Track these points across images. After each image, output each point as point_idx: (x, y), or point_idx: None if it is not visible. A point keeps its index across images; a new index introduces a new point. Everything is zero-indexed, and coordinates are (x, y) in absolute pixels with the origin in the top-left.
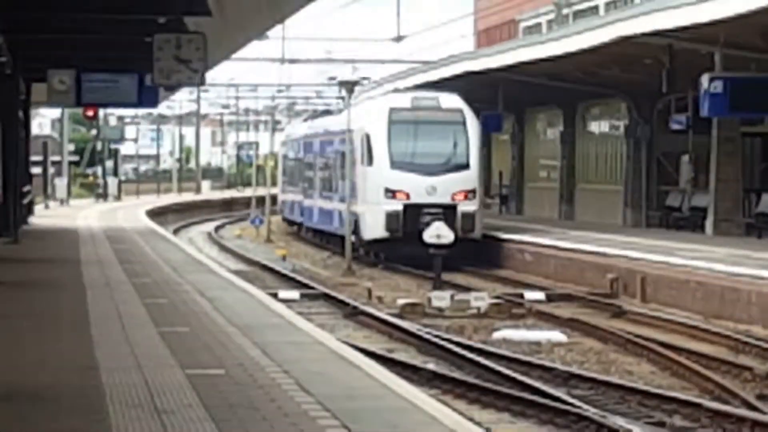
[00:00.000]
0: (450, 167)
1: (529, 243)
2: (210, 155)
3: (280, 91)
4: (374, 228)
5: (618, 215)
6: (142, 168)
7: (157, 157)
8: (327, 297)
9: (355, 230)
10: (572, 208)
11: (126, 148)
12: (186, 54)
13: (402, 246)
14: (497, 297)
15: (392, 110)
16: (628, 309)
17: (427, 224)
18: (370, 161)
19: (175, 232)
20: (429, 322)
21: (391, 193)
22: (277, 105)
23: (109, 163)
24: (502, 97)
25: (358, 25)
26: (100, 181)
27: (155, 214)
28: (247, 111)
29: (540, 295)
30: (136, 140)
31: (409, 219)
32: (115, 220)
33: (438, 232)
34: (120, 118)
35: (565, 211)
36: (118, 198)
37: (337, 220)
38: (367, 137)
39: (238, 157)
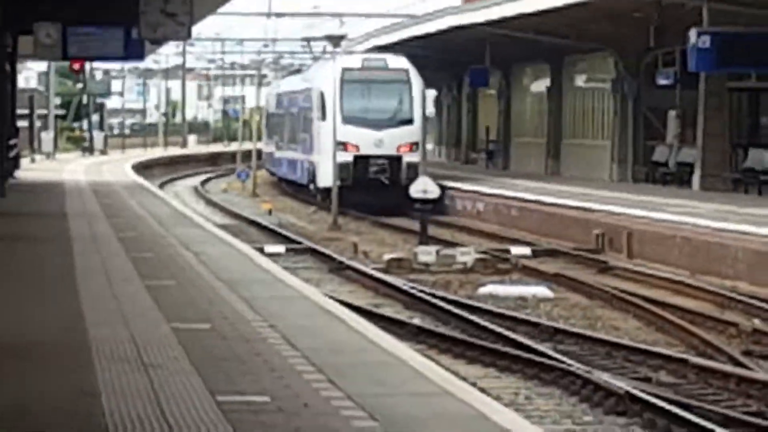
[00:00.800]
0: (395, 122)
1: (516, 199)
2: (196, 109)
3: (266, 45)
4: (327, 177)
5: (605, 171)
6: (128, 122)
7: (143, 112)
8: (313, 251)
9: (313, 179)
10: (558, 164)
11: (112, 102)
12: (172, 8)
13: (352, 193)
14: (483, 252)
15: (344, 70)
16: (613, 264)
17: (375, 173)
18: (324, 116)
19: (161, 186)
20: (415, 277)
21: (342, 146)
22: (264, 59)
23: (95, 117)
24: (488, 53)
25: None
26: (87, 135)
27: (141, 168)
28: (233, 65)
29: (526, 251)
30: (122, 94)
31: (359, 169)
32: (101, 175)
33: (424, 187)
34: (106, 72)
35: (552, 166)
36: (104, 152)
37: (300, 170)
38: (322, 95)
39: (225, 112)
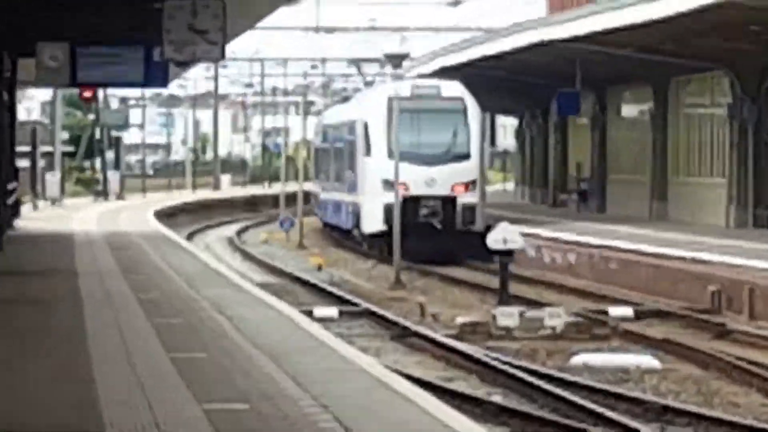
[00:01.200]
0: (449, 157)
1: (615, 249)
2: (231, 144)
3: (314, 66)
4: (373, 221)
5: (720, 214)
6: (150, 160)
7: (167, 147)
8: (371, 315)
9: (357, 223)
10: (665, 206)
11: (130, 137)
12: (202, 23)
13: (403, 239)
14: (576, 314)
15: (391, 99)
16: (733, 327)
17: (426, 216)
18: (368, 151)
19: (189, 237)
20: (494, 345)
21: (389, 185)
22: (311, 83)
23: (110, 155)
24: (579, 73)
25: None
26: (100, 176)
27: (165, 215)
28: (274, 90)
29: (627, 312)
30: (142, 126)
31: (409, 211)
32: (118, 223)
33: (504, 236)
34: (123, 101)
35: (657, 208)
36: (120, 196)
37: (344, 213)
38: (366, 127)
39: (265, 147)
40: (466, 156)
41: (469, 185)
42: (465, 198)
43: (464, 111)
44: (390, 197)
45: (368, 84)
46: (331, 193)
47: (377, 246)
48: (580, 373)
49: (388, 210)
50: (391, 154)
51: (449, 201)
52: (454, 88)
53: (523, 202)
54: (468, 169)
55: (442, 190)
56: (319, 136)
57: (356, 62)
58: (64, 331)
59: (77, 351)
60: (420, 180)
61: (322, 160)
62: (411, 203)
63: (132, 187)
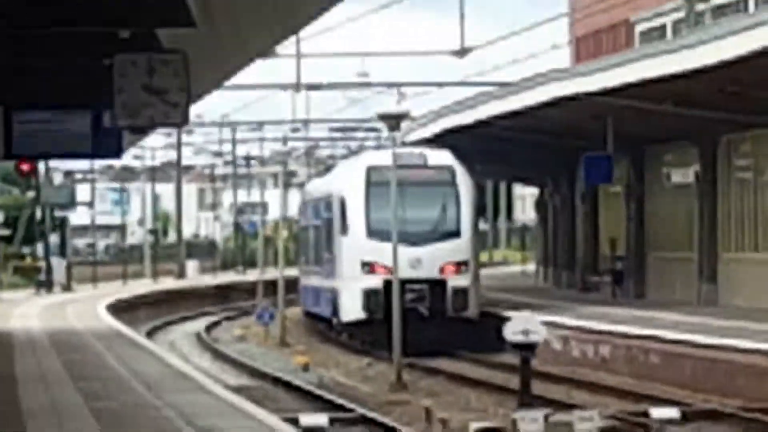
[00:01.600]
0: (437, 235)
1: (657, 339)
2: (197, 223)
3: (295, 130)
4: (351, 308)
5: None
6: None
7: (122, 229)
8: (368, 422)
9: (335, 311)
10: (716, 288)
11: (78, 217)
12: (160, 82)
13: (385, 329)
14: (612, 417)
15: (370, 169)
16: None
17: (413, 301)
18: (345, 230)
19: (150, 334)
20: None
21: (368, 267)
22: (292, 150)
23: (54, 239)
24: (611, 133)
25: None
26: (42, 264)
27: (121, 309)
28: (248, 160)
29: (673, 413)
30: (91, 205)
31: (391, 297)
32: (65, 320)
33: (525, 326)
34: (68, 175)
35: (706, 291)
36: (67, 287)
37: (323, 299)
38: (342, 202)
39: (238, 226)
40: (456, 233)
41: (460, 266)
42: (456, 281)
43: (453, 182)
44: (370, 281)
45: (363, 149)
46: (311, 278)
47: (358, 337)
48: None
49: (367, 296)
50: (370, 233)
51: (438, 284)
52: (442, 157)
53: (546, 285)
54: (459, 248)
55: (430, 273)
56: (302, 214)
57: (341, 129)
58: None
59: None
60: (404, 261)
61: (303, 240)
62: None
63: (81, 276)
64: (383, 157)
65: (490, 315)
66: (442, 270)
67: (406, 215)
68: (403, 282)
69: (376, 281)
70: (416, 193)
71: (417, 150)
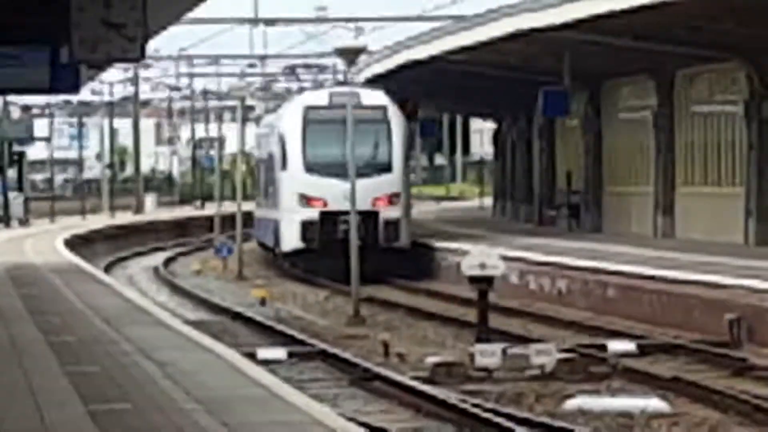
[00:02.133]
0: (370, 170)
1: (613, 273)
2: (155, 158)
3: (252, 65)
4: (290, 238)
5: (738, 230)
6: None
7: (79, 163)
8: (326, 355)
9: (277, 241)
10: (672, 221)
11: (35, 151)
12: (118, 15)
13: (320, 257)
14: (569, 350)
15: (307, 109)
16: (755, 363)
17: (346, 232)
18: (284, 165)
19: (108, 268)
20: (473, 389)
21: (306, 200)
22: (249, 84)
23: (12, 173)
24: (569, 66)
25: None
26: None
27: (79, 243)
28: (206, 94)
29: (629, 346)
30: (49, 140)
31: (327, 228)
32: (23, 254)
33: (482, 260)
34: (26, 109)
35: (663, 225)
36: (24, 222)
37: (268, 230)
38: (282, 138)
39: (195, 160)
40: (387, 168)
41: (392, 198)
42: (388, 212)
43: (386, 120)
44: (307, 213)
45: (321, 84)
46: (261, 210)
47: (298, 265)
48: (575, 420)
49: (304, 227)
50: (308, 168)
51: (371, 216)
52: (375, 96)
53: (504, 219)
54: (390, 182)
55: (363, 205)
56: (256, 149)
57: (292, 67)
58: None
59: None
60: (338, 194)
61: (256, 175)
62: (330, 219)
63: (38, 210)
64: (320, 97)
65: (422, 246)
66: (374, 202)
67: (341, 151)
68: (338, 213)
69: (312, 213)
70: (351, 131)
71: (351, 89)
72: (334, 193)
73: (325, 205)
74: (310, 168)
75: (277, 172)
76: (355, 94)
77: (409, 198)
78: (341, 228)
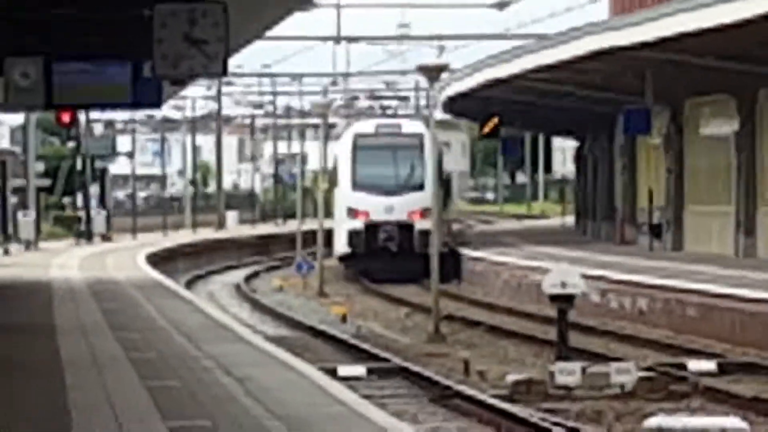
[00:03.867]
0: (407, 188)
1: (695, 292)
2: (237, 175)
3: (334, 82)
4: (340, 245)
5: None
6: (142, 195)
7: (162, 179)
8: (406, 372)
9: (331, 247)
10: (754, 241)
11: (118, 167)
12: (200, 32)
13: (366, 261)
14: (649, 369)
15: (357, 136)
16: None
17: (385, 240)
18: (337, 183)
19: (189, 284)
20: (552, 407)
21: (353, 213)
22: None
23: (95, 189)
24: (650, 86)
25: None
26: (82, 214)
27: (161, 259)
28: (288, 111)
29: (710, 366)
30: (131, 155)
31: (370, 236)
32: (105, 270)
33: (562, 279)
34: (109, 125)
35: (744, 244)
36: (107, 238)
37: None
38: (336, 160)
39: (277, 177)
40: (421, 187)
41: (424, 212)
42: (421, 224)
43: (421, 146)
44: (353, 224)
45: (403, 99)
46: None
47: (348, 267)
48: None
49: (350, 235)
50: (354, 186)
51: (406, 227)
52: (413, 126)
53: (585, 237)
54: (423, 198)
55: (401, 216)
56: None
57: (422, 70)
58: (40, 401)
59: (58, 426)
60: (380, 208)
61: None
62: (372, 229)
63: (121, 226)
64: (369, 126)
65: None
66: (409, 215)
67: (383, 172)
68: (379, 224)
69: (358, 224)
70: (392, 155)
71: (395, 120)
72: (375, 206)
73: (368, 216)
74: (357, 185)
75: (334, 189)
76: (397, 124)
77: (441, 213)
78: (381, 236)
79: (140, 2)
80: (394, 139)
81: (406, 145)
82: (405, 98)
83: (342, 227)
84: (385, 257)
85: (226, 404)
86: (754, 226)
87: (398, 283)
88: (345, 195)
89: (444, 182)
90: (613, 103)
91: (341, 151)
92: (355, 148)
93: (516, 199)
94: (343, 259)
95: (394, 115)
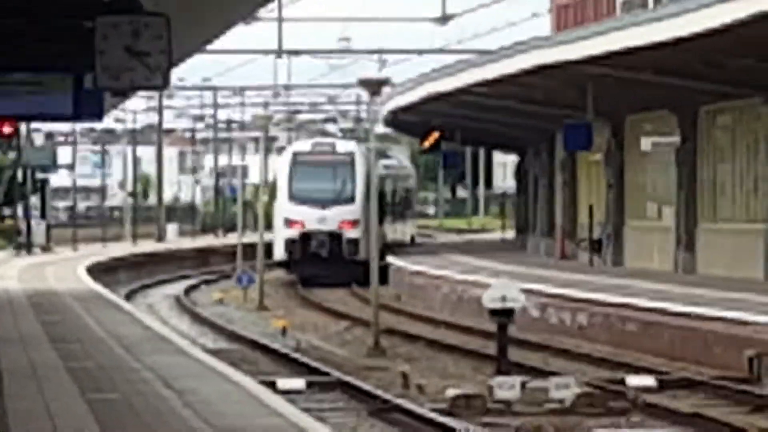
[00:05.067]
0: (338, 201)
1: (634, 307)
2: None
3: (276, 95)
4: (278, 251)
5: (759, 266)
6: (82, 206)
7: (102, 191)
8: (345, 386)
9: (270, 253)
10: (693, 257)
11: (58, 179)
12: (142, 44)
13: (300, 266)
14: (588, 384)
15: (294, 154)
16: None
17: (317, 247)
18: (275, 196)
19: (129, 296)
20: (491, 421)
21: (289, 223)
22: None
23: (35, 200)
24: (591, 101)
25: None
26: (22, 225)
27: (101, 271)
28: (229, 124)
29: (649, 381)
30: (72, 167)
31: (305, 244)
32: (44, 281)
33: (503, 293)
34: (49, 137)
35: (684, 261)
36: (47, 249)
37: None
38: (275, 176)
39: (218, 190)
40: (351, 200)
41: (353, 223)
42: (350, 233)
43: (352, 164)
44: (289, 233)
45: (343, 113)
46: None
47: (286, 271)
48: None
49: (287, 243)
50: (291, 198)
51: (337, 236)
52: (346, 145)
53: (525, 252)
54: (353, 210)
55: (332, 226)
56: None
57: (363, 84)
58: None
59: None
60: (313, 218)
61: None
62: (306, 237)
63: (60, 238)
64: (305, 145)
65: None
66: (340, 225)
67: (316, 186)
68: (312, 233)
69: (294, 233)
70: (325, 171)
71: (330, 140)
72: (309, 217)
73: (303, 226)
74: (293, 198)
75: (274, 201)
76: (332, 143)
77: (370, 223)
78: (314, 244)
79: (82, 14)
80: (328, 157)
81: (339, 162)
82: (345, 112)
83: (280, 235)
84: (317, 263)
85: (165, 416)
86: (694, 242)
87: (329, 287)
88: (282, 206)
89: (385, 196)
90: (555, 118)
91: (280, 167)
92: (293, 164)
93: (457, 213)
94: (280, 264)
95: (333, 134)
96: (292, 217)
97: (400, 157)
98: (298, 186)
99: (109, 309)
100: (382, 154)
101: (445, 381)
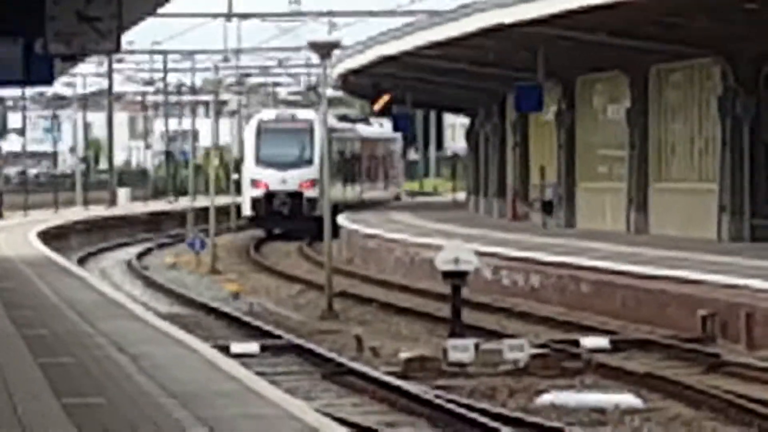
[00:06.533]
0: (298, 164)
1: (587, 268)
2: (129, 152)
3: (226, 59)
4: (246, 208)
5: (711, 226)
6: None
7: (53, 156)
8: (299, 350)
9: (239, 211)
10: (645, 217)
11: (8, 144)
12: (93, 9)
13: (265, 222)
14: (542, 345)
15: (260, 122)
16: (728, 359)
17: (280, 205)
18: (244, 159)
19: (81, 261)
20: (445, 384)
21: (255, 183)
22: (223, 79)
23: None
24: (542, 63)
25: None
26: None
27: (52, 236)
28: (179, 88)
29: (603, 342)
30: (22, 132)
31: (268, 202)
32: None
33: (455, 255)
34: None
35: (636, 221)
36: None
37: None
38: (242, 142)
39: (169, 154)
40: (309, 162)
41: (313, 183)
42: (309, 192)
43: (311, 131)
44: (255, 192)
45: (294, 76)
46: None
47: (253, 226)
48: (548, 415)
49: (253, 202)
50: (257, 162)
51: (297, 195)
52: (306, 114)
53: (477, 214)
54: (311, 172)
55: (293, 187)
56: None
57: (313, 47)
58: None
59: None
60: (276, 180)
61: None
62: (270, 196)
63: (12, 203)
64: (270, 114)
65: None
66: (300, 185)
67: (279, 151)
68: (275, 193)
69: (259, 192)
70: (286, 137)
71: (292, 110)
72: (273, 179)
73: (267, 187)
74: (259, 161)
75: (242, 165)
76: (293, 113)
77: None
78: (276, 203)
79: None
80: (289, 124)
81: (299, 129)
82: (296, 75)
83: (247, 195)
84: (279, 219)
85: (119, 381)
86: (646, 202)
87: (291, 240)
88: (249, 169)
89: (360, 158)
90: (505, 79)
91: (248, 134)
92: (259, 131)
93: (408, 175)
94: (249, 219)
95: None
96: (257, 179)
97: (384, 122)
98: (263, 151)
99: (62, 275)
100: (364, 121)
101: (398, 344)
